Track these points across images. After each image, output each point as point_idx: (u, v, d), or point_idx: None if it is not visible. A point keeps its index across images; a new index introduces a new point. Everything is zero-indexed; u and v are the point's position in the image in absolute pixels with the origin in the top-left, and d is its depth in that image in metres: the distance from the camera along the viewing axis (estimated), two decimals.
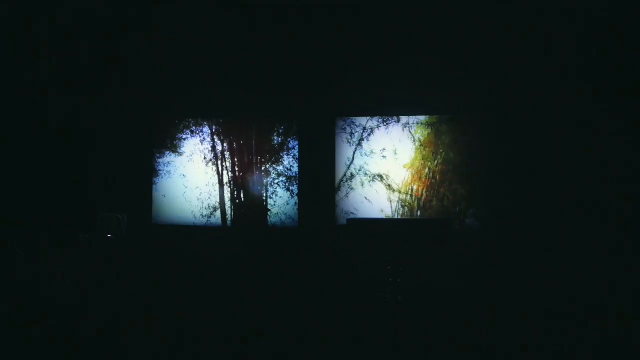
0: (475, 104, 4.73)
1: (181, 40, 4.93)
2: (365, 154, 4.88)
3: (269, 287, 4.50)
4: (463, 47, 4.66)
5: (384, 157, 4.86)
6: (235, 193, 5.05)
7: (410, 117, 4.84)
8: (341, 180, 4.91)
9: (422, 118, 4.82)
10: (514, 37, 4.55)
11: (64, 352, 3.06)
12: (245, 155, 5.05)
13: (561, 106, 4.49)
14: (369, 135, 4.88)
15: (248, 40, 4.90)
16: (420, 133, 4.83)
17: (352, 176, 4.90)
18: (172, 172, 5.08)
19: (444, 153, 4.78)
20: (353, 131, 4.91)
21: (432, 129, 4.82)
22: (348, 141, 4.92)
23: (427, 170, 4.80)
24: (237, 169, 5.05)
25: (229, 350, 3.18)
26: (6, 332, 3.22)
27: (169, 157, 5.09)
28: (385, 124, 4.88)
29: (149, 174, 5.09)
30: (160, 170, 5.09)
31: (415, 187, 4.81)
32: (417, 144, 4.83)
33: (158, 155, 5.08)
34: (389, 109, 4.87)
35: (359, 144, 4.90)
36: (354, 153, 4.90)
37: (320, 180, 4.94)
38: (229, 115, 5.09)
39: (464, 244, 4.52)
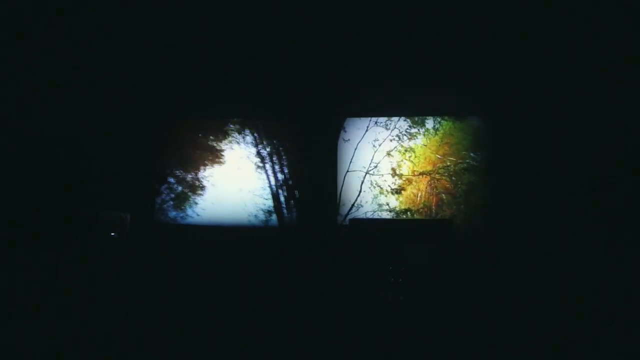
0: (477, 104, 4.74)
1: (182, 40, 4.94)
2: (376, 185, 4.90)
3: (269, 288, 4.52)
4: (470, 46, 4.66)
5: (394, 189, 4.87)
6: (288, 194, 5.05)
7: (407, 123, 4.86)
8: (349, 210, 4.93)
9: (422, 120, 4.84)
10: (522, 36, 4.55)
11: (65, 352, 3.09)
12: (293, 155, 5.06)
13: (561, 106, 4.49)
14: (376, 166, 4.90)
15: (249, 39, 4.91)
16: (422, 138, 4.85)
17: (361, 206, 4.91)
18: (217, 182, 5.11)
19: (444, 153, 4.79)
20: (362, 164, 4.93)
21: (434, 131, 4.84)
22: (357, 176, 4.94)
23: (429, 171, 4.82)
24: (286, 170, 5.06)
25: (228, 350, 3.20)
26: (8, 332, 3.25)
27: (213, 168, 5.12)
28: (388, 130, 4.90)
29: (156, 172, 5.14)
30: (205, 180, 5.12)
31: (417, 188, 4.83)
32: (420, 145, 4.85)
33: (203, 169, 5.11)
34: (393, 109, 4.88)
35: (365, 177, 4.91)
36: (362, 183, 4.92)
37: (322, 180, 4.95)
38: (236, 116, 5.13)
39: (465, 244, 4.53)
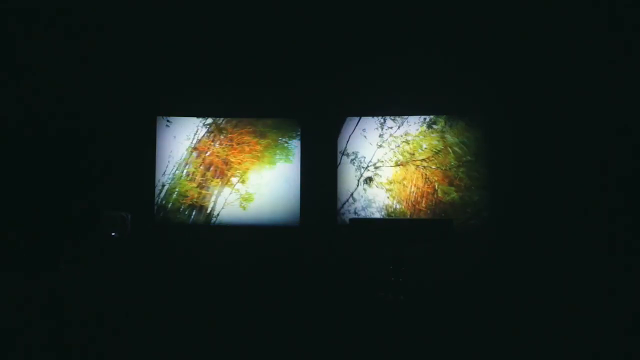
0: (477, 104, 4.75)
1: (184, 37, 4.93)
2: (369, 187, 4.91)
3: (269, 287, 4.52)
4: (471, 46, 4.66)
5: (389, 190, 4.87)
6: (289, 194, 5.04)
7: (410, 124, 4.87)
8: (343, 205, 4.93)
9: (422, 119, 4.84)
10: (522, 36, 4.56)
11: (66, 352, 3.09)
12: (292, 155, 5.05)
13: (561, 106, 4.50)
14: (376, 169, 4.90)
15: (252, 37, 4.91)
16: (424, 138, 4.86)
17: (355, 200, 4.90)
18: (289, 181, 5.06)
19: (443, 153, 4.80)
20: (359, 164, 4.93)
21: (434, 130, 4.85)
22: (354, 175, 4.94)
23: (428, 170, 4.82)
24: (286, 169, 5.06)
25: (228, 350, 3.20)
26: (10, 332, 3.25)
27: (283, 166, 5.07)
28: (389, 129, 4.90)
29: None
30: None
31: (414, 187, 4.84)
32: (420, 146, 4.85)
33: (268, 167, 5.07)
34: (393, 109, 4.89)
35: (362, 178, 4.92)
36: (358, 183, 4.92)
37: (323, 178, 4.95)
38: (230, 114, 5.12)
39: (465, 244, 4.54)
